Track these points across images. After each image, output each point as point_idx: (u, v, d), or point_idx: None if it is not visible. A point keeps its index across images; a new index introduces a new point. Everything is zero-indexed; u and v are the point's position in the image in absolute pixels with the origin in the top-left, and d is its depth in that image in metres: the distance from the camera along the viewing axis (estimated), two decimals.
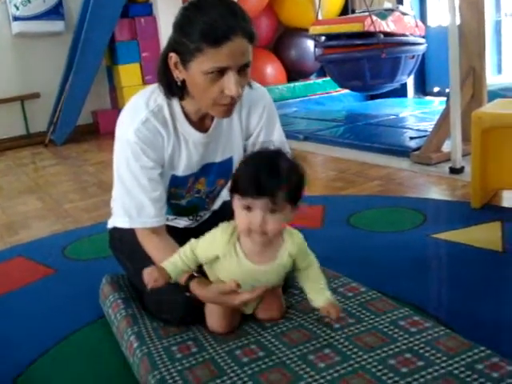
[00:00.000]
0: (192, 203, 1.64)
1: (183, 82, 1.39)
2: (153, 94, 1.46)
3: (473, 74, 3.36)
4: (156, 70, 1.45)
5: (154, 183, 1.46)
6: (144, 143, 1.42)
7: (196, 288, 1.36)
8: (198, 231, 1.68)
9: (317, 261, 1.40)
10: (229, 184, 1.71)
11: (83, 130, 5.91)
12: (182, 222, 1.69)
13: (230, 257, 1.30)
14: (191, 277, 1.38)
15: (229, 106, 1.38)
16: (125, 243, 1.64)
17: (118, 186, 1.50)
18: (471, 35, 3.32)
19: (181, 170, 1.53)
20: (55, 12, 5.82)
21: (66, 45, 5.76)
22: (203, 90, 1.35)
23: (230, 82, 1.31)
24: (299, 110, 5.61)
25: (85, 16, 5.40)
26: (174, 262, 1.33)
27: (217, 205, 1.75)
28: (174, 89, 1.42)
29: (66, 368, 1.57)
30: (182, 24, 1.33)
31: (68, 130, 5.58)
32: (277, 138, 1.60)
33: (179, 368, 1.28)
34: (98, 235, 2.50)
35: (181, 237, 1.48)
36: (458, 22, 3.14)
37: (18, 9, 5.64)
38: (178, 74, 1.38)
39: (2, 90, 5.71)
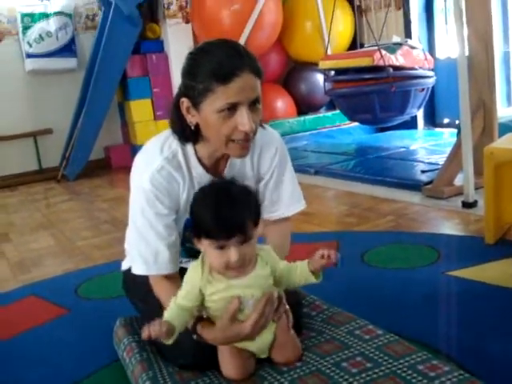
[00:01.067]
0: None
1: (197, 126, 1.41)
2: (167, 139, 1.47)
3: (483, 106, 3.36)
4: (169, 117, 1.47)
5: (170, 229, 1.46)
6: (159, 191, 1.43)
7: (203, 331, 1.35)
8: None
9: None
10: None
11: (95, 165, 5.97)
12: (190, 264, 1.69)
13: (210, 284, 1.31)
14: (198, 320, 1.37)
15: (244, 143, 1.39)
16: (138, 285, 1.63)
17: (134, 232, 1.50)
18: (480, 67, 3.32)
19: None
20: (68, 49, 5.93)
21: (78, 81, 5.86)
22: (217, 130, 1.36)
23: (242, 117, 1.33)
24: (309, 144, 5.64)
25: (97, 53, 5.51)
26: (173, 313, 1.32)
27: None
28: (188, 134, 1.43)
29: None
30: (190, 68, 1.36)
31: (80, 166, 5.63)
32: (287, 177, 1.62)
33: None
34: (111, 274, 2.49)
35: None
36: (466, 53, 3.15)
37: (31, 46, 5.75)
38: (191, 119, 1.40)
39: (15, 126, 5.80)
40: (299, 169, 4.47)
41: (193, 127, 1.41)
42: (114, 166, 6.02)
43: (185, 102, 1.38)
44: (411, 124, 5.71)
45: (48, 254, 3.17)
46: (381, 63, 4.50)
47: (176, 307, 1.31)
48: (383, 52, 4.52)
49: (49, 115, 5.94)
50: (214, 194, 1.28)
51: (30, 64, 5.80)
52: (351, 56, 4.91)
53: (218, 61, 1.31)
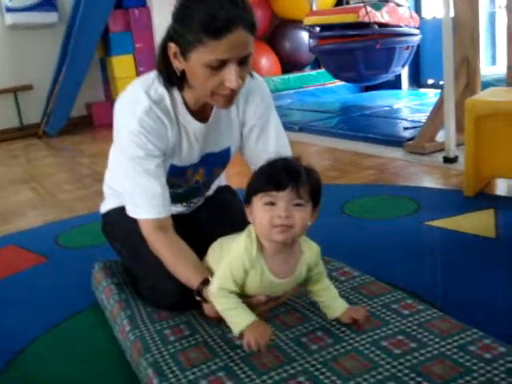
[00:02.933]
0: (188, 192, 1.63)
1: (183, 72, 1.37)
2: (153, 84, 1.43)
3: (467, 63, 3.35)
4: (155, 59, 1.42)
5: (161, 170, 1.43)
6: (148, 132, 1.39)
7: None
8: (190, 217, 1.70)
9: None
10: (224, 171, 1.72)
11: (77, 122, 5.90)
12: (175, 209, 1.68)
13: (256, 272, 1.25)
14: (206, 281, 1.33)
15: (229, 97, 1.36)
16: (118, 227, 1.63)
17: (126, 178, 1.45)
18: (465, 26, 3.31)
19: (181, 161, 1.51)
20: (48, 3, 5.78)
21: (59, 36, 5.74)
22: (203, 82, 1.33)
23: (230, 73, 1.29)
24: (293, 102, 5.61)
25: (78, 7, 5.39)
26: (239, 309, 1.24)
27: (211, 191, 1.75)
28: (174, 79, 1.40)
29: (57, 354, 1.55)
30: (182, 14, 1.30)
31: (62, 122, 5.56)
32: (273, 127, 1.57)
33: (172, 351, 1.27)
34: (92, 224, 2.47)
35: (173, 223, 1.48)
36: (452, 13, 3.14)
37: (10, 0, 5.60)
38: (178, 65, 1.36)
39: None
40: (283, 126, 4.42)
41: (179, 73, 1.37)
42: (96, 123, 5.95)
43: (173, 48, 1.33)
44: (396, 84, 5.71)
45: (29, 207, 3.14)
46: (366, 20, 4.46)
47: (232, 301, 1.24)
48: (368, 9, 4.48)
49: (29, 71, 5.82)
50: (275, 162, 1.23)
51: (10, 18, 5.65)
52: (336, 12, 4.86)
53: (211, 12, 1.23)
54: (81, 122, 5.97)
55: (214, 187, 1.75)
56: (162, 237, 1.42)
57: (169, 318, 1.42)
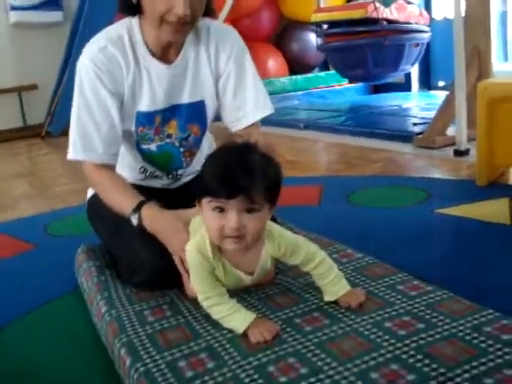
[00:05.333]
0: (164, 150, 1.51)
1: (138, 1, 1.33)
2: (115, 25, 1.41)
3: (478, 55, 3.22)
4: None
5: (106, 115, 1.37)
6: (100, 70, 1.35)
7: (147, 216, 1.30)
8: (178, 194, 1.57)
9: (321, 253, 1.20)
10: (207, 135, 1.60)
11: None
12: (159, 181, 1.57)
13: (219, 270, 1.16)
14: (142, 203, 1.32)
15: (177, 26, 1.30)
16: (100, 210, 1.51)
17: (71, 117, 1.41)
18: (476, 18, 3.19)
19: (144, 105, 1.43)
20: (54, 2, 5.74)
21: (64, 36, 5.64)
22: (152, 3, 1.29)
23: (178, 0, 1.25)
24: (301, 103, 5.48)
25: (83, 6, 5.31)
26: (235, 313, 1.12)
27: (198, 164, 1.60)
28: (130, 7, 1.35)
29: (35, 334, 1.46)
30: None
31: (65, 122, 5.45)
32: (250, 80, 1.48)
33: (149, 331, 1.15)
34: (82, 214, 2.35)
35: (159, 198, 1.36)
36: (463, 12, 3.03)
37: None
38: None
39: None
40: (288, 123, 4.36)
41: (135, 0, 1.33)
42: None
43: None
44: (405, 86, 5.57)
45: (24, 198, 3.06)
46: (374, 16, 4.34)
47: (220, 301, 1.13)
48: (377, 4, 4.36)
49: (34, 70, 5.73)
50: (230, 152, 1.10)
51: (15, 16, 5.59)
52: (344, 8, 4.75)
53: None
54: None
55: (200, 159, 1.60)
56: (103, 172, 1.40)
57: (150, 299, 1.30)
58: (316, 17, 4.77)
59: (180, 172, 1.57)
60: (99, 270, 1.49)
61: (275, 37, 6.03)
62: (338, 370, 0.95)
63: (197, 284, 1.15)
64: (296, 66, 5.99)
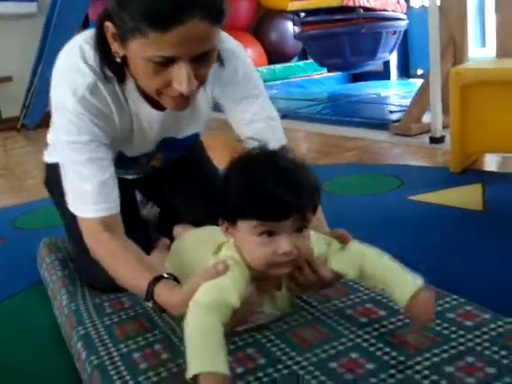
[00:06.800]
0: (141, 172, 1.45)
1: (124, 58, 1.05)
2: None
3: (453, 44, 3.21)
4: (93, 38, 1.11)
5: (109, 158, 1.14)
6: (91, 113, 1.10)
7: (162, 294, 0.97)
8: (153, 178, 1.50)
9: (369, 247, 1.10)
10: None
11: None
12: (130, 176, 1.48)
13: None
14: (157, 279, 0.98)
15: (180, 100, 1.05)
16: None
17: (62, 169, 1.16)
18: (452, 8, 3.17)
19: (131, 151, 1.27)
20: None
21: (38, 27, 5.54)
22: (146, 77, 1.02)
23: (179, 74, 0.98)
24: (279, 92, 5.44)
25: None
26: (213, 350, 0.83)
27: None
28: (114, 67, 1.09)
29: None
30: None
31: (40, 115, 5.37)
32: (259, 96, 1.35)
33: (107, 323, 1.12)
34: (51, 206, 2.31)
35: (132, 186, 1.30)
36: (438, 0, 3.01)
37: None
38: (117, 49, 1.04)
39: None
40: None
41: (119, 59, 1.06)
42: None
43: (110, 28, 1.01)
44: (384, 75, 5.56)
45: None
46: (350, 4, 4.30)
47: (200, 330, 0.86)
48: None
49: (8, 62, 5.63)
50: (258, 163, 0.92)
51: None
52: None
53: None
54: None
55: None
56: (108, 238, 1.09)
57: (111, 293, 1.26)
58: (293, 5, 4.72)
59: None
60: (63, 264, 1.46)
61: (253, 26, 5.98)
62: (297, 360, 0.93)
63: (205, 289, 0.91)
64: (274, 55, 5.95)
